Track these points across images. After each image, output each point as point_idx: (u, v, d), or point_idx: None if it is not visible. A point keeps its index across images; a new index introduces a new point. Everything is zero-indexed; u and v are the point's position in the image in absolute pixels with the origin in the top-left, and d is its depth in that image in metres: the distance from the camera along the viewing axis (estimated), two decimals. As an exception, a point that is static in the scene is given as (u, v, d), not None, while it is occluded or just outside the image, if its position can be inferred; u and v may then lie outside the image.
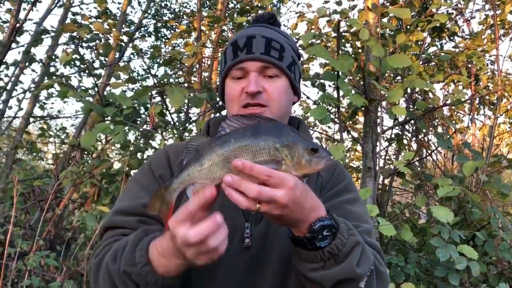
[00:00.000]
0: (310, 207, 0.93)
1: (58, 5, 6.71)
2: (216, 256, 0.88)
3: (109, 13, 5.64)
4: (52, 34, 5.79)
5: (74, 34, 5.17)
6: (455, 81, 5.40)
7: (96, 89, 4.37)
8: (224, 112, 1.34)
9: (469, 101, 5.32)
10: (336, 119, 4.37)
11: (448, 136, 4.30)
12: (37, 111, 7.03)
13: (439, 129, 5.60)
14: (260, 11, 5.03)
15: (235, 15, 4.50)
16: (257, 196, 0.83)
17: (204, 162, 0.90)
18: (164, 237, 0.95)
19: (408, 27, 4.26)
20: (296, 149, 0.89)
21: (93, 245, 3.19)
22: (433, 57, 4.84)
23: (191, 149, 0.95)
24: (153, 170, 1.23)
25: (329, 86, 4.93)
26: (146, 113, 3.81)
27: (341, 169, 1.29)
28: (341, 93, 3.68)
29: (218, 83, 1.32)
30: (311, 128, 6.19)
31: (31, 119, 6.77)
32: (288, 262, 1.10)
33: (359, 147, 5.46)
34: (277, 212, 0.87)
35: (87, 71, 5.74)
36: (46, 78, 6.13)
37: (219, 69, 1.29)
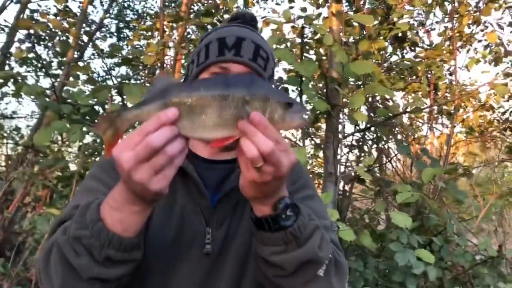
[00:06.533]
0: (283, 186, 0.91)
1: (14, 0, 6.43)
2: (172, 172, 0.80)
3: (68, 11, 5.46)
4: (6, 30, 5.55)
5: (31, 31, 4.98)
6: (415, 90, 5.54)
7: (53, 89, 4.20)
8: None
9: (428, 110, 5.46)
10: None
11: (407, 143, 4.38)
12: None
13: (399, 137, 5.71)
14: (225, 15, 5.00)
15: (200, 17, 4.44)
16: (269, 153, 0.78)
17: (168, 102, 0.82)
18: (113, 189, 0.87)
19: (371, 35, 4.33)
20: (269, 102, 0.83)
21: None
22: (394, 66, 4.94)
23: (157, 86, 0.86)
24: (114, 167, 1.08)
25: (292, 91, 4.95)
26: (104, 113, 3.69)
27: (300, 167, 1.26)
28: (304, 98, 3.69)
29: (188, 71, 1.19)
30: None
31: (-17, 119, 6.46)
32: (243, 266, 1.09)
33: (321, 154, 5.49)
34: (269, 179, 0.83)
35: (43, 70, 5.53)
36: None
37: (194, 60, 1.19)
